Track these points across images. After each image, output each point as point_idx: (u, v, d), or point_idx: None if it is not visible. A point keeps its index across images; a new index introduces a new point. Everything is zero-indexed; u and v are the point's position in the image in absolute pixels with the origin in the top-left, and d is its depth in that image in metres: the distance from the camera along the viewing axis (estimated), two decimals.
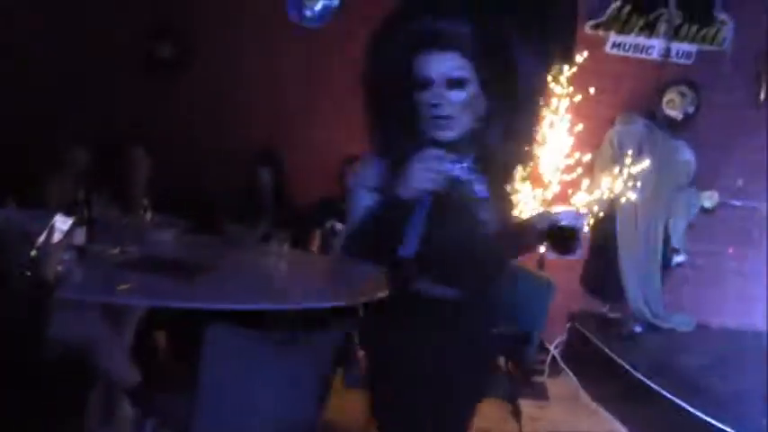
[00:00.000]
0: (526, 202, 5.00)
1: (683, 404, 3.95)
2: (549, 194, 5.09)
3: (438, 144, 1.92)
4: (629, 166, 5.27)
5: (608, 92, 5.31)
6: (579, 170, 5.19)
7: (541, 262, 4.99)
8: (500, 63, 1.94)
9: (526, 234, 2.08)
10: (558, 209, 2.06)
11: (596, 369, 4.92)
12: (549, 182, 5.10)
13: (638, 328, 5.38)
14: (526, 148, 2.11)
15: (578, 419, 4.51)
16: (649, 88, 5.53)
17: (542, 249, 4.45)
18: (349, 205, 2.08)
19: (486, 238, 2.00)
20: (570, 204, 5.04)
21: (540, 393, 4.84)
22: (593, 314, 5.59)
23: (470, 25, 1.91)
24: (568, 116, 5.08)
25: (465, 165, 1.98)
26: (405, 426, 2.09)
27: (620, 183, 5.29)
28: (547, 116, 4.97)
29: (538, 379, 5.02)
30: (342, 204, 4.76)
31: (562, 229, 1.98)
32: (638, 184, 5.28)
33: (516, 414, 4.47)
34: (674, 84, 5.56)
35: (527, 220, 2.15)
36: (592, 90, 5.15)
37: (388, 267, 2.01)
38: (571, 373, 5.17)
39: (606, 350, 4.88)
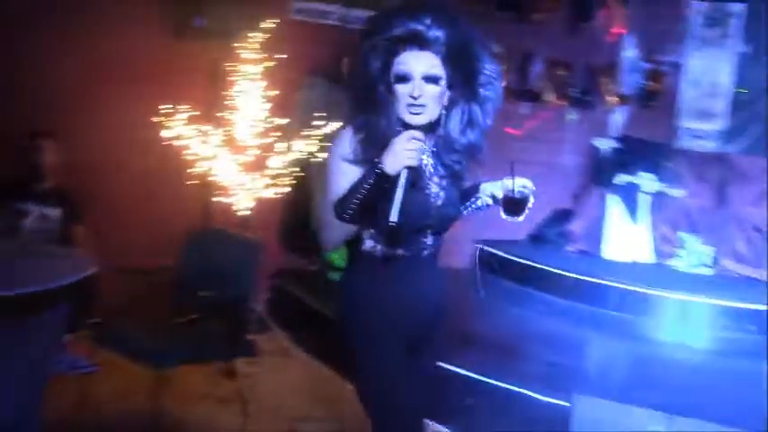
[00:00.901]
0: (225, 167, 5.08)
1: None
2: (248, 159, 5.22)
3: (409, 127, 2.40)
4: (318, 128, 5.59)
5: (297, 57, 5.55)
6: (275, 134, 5.39)
7: (245, 225, 5.13)
8: (465, 62, 2.43)
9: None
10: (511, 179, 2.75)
11: (303, 322, 5.20)
12: (247, 147, 5.23)
13: (335, 277, 5.82)
14: (480, 135, 2.64)
15: (292, 372, 4.75)
16: (331, 52, 5.87)
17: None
18: (328, 172, 2.49)
19: (437, 208, 2.59)
20: (267, 167, 5.24)
21: (252, 351, 5.02)
22: (294, 270, 5.88)
23: (443, 30, 2.38)
24: (262, 82, 5.23)
25: (429, 145, 2.53)
26: (385, 370, 2.49)
27: (311, 144, 5.59)
28: (240, 82, 5.07)
29: (248, 337, 5.20)
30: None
31: (514, 197, 2.73)
32: (328, 143, 5.62)
33: (231, 373, 4.62)
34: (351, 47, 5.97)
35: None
36: (281, 55, 5.35)
37: (378, 232, 2.47)
38: (279, 329, 5.42)
39: (310, 302, 5.19)
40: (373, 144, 2.40)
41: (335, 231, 2.47)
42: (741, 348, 5.09)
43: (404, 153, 2.29)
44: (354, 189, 2.36)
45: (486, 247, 6.71)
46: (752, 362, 4.88)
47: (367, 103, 2.45)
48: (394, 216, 2.28)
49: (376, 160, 2.33)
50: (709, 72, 7.48)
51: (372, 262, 2.54)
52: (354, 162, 2.42)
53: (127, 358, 4.03)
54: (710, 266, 6.35)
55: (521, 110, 6.78)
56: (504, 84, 6.32)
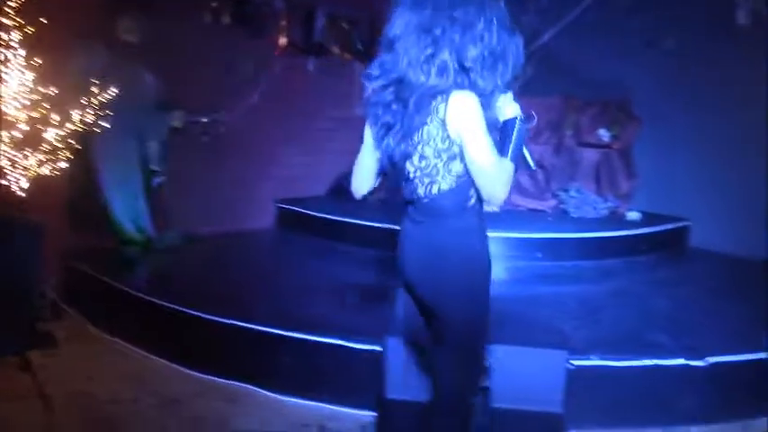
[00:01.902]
0: None
1: (193, 312, 4.23)
2: (19, 133, 4.78)
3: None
4: (95, 95, 5.21)
5: (62, 21, 5.11)
6: (48, 105, 4.96)
7: (22, 207, 4.72)
8: None
9: None
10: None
11: (101, 302, 4.92)
12: (17, 119, 4.78)
13: (134, 254, 5.56)
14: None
15: (94, 357, 4.48)
16: (104, 15, 5.49)
17: None
18: (482, 136, 2.29)
19: None
20: (42, 142, 4.84)
21: (47, 340, 4.67)
22: (86, 248, 5.52)
23: None
24: (23, 50, 4.77)
25: None
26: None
27: (90, 112, 5.21)
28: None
29: (42, 327, 4.82)
30: None
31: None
32: (108, 112, 5.28)
33: (26, 367, 4.27)
34: (129, 11, 5.62)
35: None
36: (44, 20, 4.90)
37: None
38: (77, 313, 5.08)
39: (107, 281, 4.90)
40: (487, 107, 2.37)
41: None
42: (532, 274, 5.49)
43: (515, 105, 2.42)
44: (518, 144, 2.39)
45: (286, 206, 6.70)
46: (542, 285, 5.28)
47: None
48: (533, 163, 2.48)
49: (521, 115, 2.40)
50: None
51: (479, 214, 2.44)
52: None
53: None
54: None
55: (308, 65, 6.74)
56: (287, 39, 6.38)
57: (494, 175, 2.31)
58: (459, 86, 2.32)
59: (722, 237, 6.16)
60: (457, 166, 2.35)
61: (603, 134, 6.71)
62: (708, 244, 6.20)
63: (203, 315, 4.20)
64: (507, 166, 2.36)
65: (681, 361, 3.71)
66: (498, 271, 5.20)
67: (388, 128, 2.37)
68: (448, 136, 2.31)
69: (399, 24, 2.35)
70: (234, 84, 6.19)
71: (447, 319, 2.45)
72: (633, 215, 6.44)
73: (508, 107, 2.43)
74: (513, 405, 3.21)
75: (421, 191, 2.40)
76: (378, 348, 3.59)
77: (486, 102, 2.34)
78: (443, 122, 2.30)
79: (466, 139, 2.29)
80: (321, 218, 6.33)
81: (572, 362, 3.41)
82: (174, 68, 5.72)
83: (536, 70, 7.40)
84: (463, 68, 2.32)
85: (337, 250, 5.97)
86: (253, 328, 4.02)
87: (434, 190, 2.38)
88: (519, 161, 2.42)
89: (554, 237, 5.89)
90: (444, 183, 2.37)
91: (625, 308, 4.70)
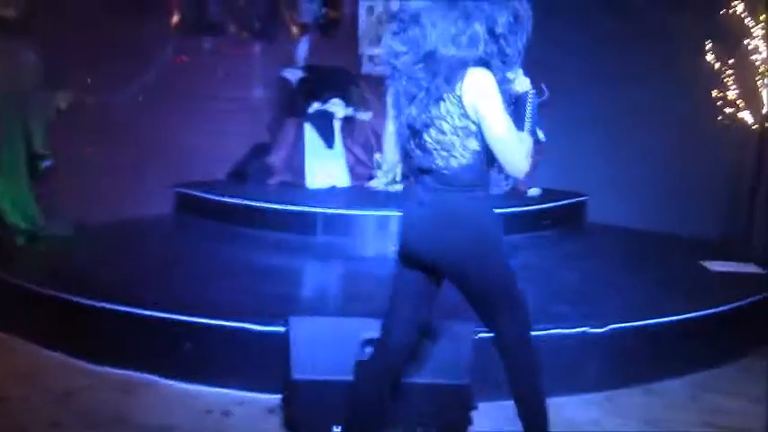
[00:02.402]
0: None
1: (86, 302, 4.02)
2: None
3: None
4: None
5: None
6: None
7: None
8: None
9: None
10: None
11: None
12: None
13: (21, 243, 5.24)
14: None
15: None
16: None
17: None
18: (501, 111, 2.34)
19: None
20: None
21: None
22: None
23: None
24: None
25: None
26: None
27: None
28: None
29: None
30: None
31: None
32: None
33: None
34: None
35: None
36: None
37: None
38: None
39: None
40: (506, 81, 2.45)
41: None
42: None
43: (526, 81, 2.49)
44: (533, 118, 2.47)
45: (184, 190, 6.46)
46: None
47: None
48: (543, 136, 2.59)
49: (532, 89, 2.48)
50: None
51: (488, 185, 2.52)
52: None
53: None
54: (401, 182, 6.70)
55: (204, 44, 6.51)
56: (179, 18, 6.14)
57: (516, 148, 2.39)
58: (489, 56, 2.38)
59: (621, 211, 6.36)
60: (473, 143, 2.40)
61: None
62: (607, 218, 6.37)
63: (96, 304, 3.98)
64: (526, 138, 2.45)
65: (583, 329, 3.78)
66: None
67: (413, 98, 2.40)
68: (465, 114, 2.36)
69: (408, 4, 2.38)
70: (125, 63, 5.90)
71: (472, 276, 2.52)
72: (534, 191, 6.53)
73: (519, 82, 2.49)
74: (422, 379, 3.17)
75: (440, 162, 2.43)
76: (281, 329, 3.49)
77: (506, 74, 2.43)
78: (460, 99, 2.34)
79: (485, 114, 2.34)
80: (220, 201, 6.14)
81: (478, 334, 3.40)
82: (59, 45, 5.40)
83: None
84: (493, 36, 2.36)
85: (237, 234, 5.80)
86: (149, 315, 3.84)
87: (453, 163, 2.42)
88: (533, 134, 2.51)
89: None
90: (462, 158, 2.41)
91: (530, 282, 4.73)
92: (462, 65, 2.33)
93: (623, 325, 3.90)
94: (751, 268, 5.21)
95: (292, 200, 6.07)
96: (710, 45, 5.51)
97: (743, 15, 5.39)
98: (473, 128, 2.37)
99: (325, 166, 6.76)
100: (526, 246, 5.66)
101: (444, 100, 2.34)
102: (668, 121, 6.03)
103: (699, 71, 5.55)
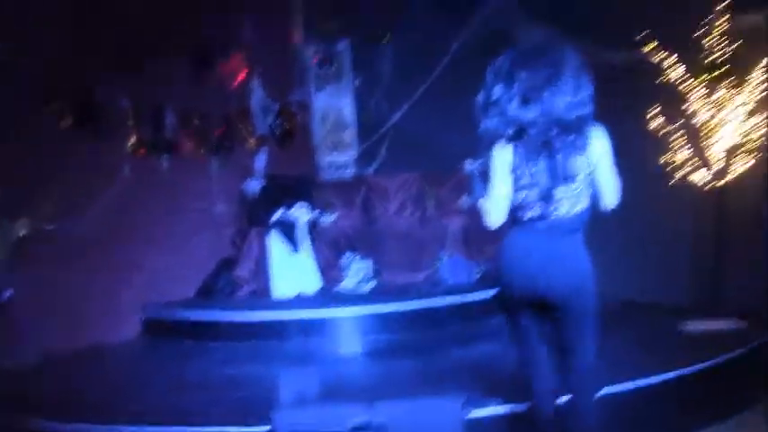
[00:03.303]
0: None
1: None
2: None
3: None
4: None
5: None
6: None
7: None
8: None
9: None
10: None
11: None
12: None
13: None
14: None
15: None
16: None
17: None
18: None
19: None
20: None
21: None
22: None
23: None
24: None
25: None
26: None
27: None
28: None
29: None
30: None
31: None
32: None
33: None
34: None
35: None
36: None
37: None
38: None
39: None
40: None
41: None
42: (410, 344, 5.42)
43: None
44: None
45: (151, 315, 6.31)
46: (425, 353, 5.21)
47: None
48: None
49: None
50: (333, 107, 8.01)
51: None
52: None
53: None
54: (372, 280, 6.68)
55: (162, 162, 6.55)
56: (136, 138, 6.18)
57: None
58: (594, 114, 2.86)
59: None
60: (589, 190, 2.88)
61: (465, 201, 6.86)
62: None
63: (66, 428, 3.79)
64: None
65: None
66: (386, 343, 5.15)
67: (547, 156, 2.85)
68: (589, 164, 2.83)
69: (533, 79, 2.86)
70: (84, 188, 5.88)
71: (583, 306, 2.93)
72: None
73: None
74: None
75: (564, 210, 2.85)
76: (266, 428, 3.34)
77: None
78: (589, 155, 2.84)
79: (607, 165, 2.85)
80: (190, 320, 6.03)
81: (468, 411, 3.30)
82: (17, 174, 5.38)
83: (390, 150, 7.65)
84: (591, 98, 2.85)
85: (211, 349, 5.66)
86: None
87: (578, 209, 2.86)
88: None
89: (434, 302, 5.89)
90: (585, 204, 2.87)
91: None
92: (585, 124, 2.84)
93: (615, 388, 3.81)
94: (730, 324, 5.20)
95: (263, 309, 5.99)
96: (656, 110, 5.70)
97: (681, 80, 5.62)
98: (591, 177, 2.86)
99: (293, 273, 6.69)
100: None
101: (579, 155, 2.82)
102: (626, 190, 6.15)
103: (648, 138, 5.72)
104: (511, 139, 2.90)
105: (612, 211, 2.98)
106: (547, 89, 2.85)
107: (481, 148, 3.03)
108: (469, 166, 3.55)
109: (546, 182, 2.83)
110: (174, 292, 6.61)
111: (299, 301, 6.35)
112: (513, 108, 2.89)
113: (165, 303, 6.38)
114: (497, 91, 2.93)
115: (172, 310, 6.26)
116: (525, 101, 2.87)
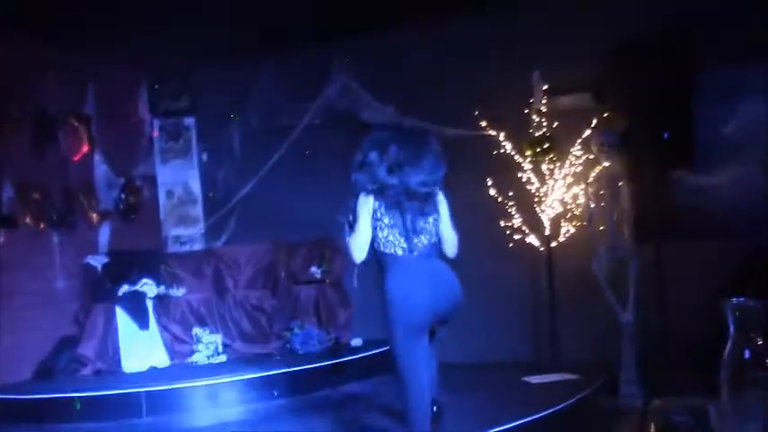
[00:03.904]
0: None
1: None
2: None
3: None
4: None
5: None
6: None
7: None
8: None
9: None
10: None
11: None
12: None
13: None
14: None
15: None
16: None
17: None
18: None
19: None
20: None
21: None
22: None
23: None
24: None
25: None
26: None
27: None
28: None
29: None
30: None
31: None
32: None
33: None
34: None
35: None
36: None
37: None
38: None
39: None
40: None
41: None
42: (269, 412, 5.43)
43: None
44: None
45: None
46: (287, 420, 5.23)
47: None
48: None
49: None
50: (179, 181, 8.00)
51: None
52: None
53: None
54: (223, 353, 6.62)
55: None
56: None
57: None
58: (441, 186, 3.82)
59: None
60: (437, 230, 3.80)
61: (315, 271, 7.01)
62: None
63: None
64: None
65: None
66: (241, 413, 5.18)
67: (403, 212, 3.71)
68: (437, 217, 3.77)
69: (399, 155, 3.70)
70: None
71: (455, 311, 3.77)
72: (356, 341, 6.70)
73: None
74: None
75: (425, 240, 3.72)
76: None
77: None
78: (438, 210, 3.78)
79: (447, 223, 3.81)
80: (26, 400, 5.71)
81: None
82: None
83: (239, 222, 7.70)
84: (442, 178, 3.79)
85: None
86: None
87: (433, 240, 3.76)
88: None
89: (287, 371, 5.93)
90: (434, 238, 3.76)
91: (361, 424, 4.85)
92: (432, 196, 3.75)
93: None
94: (566, 376, 5.65)
95: (110, 385, 5.78)
96: (491, 180, 6.18)
97: (512, 153, 6.14)
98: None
99: (141, 348, 6.51)
100: (361, 394, 5.75)
101: (423, 217, 3.72)
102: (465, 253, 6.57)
103: (485, 204, 6.17)
104: (374, 192, 3.72)
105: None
106: (408, 166, 3.68)
107: (350, 195, 3.78)
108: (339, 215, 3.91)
109: (402, 227, 3.71)
110: (10, 374, 6.22)
111: (151, 376, 6.19)
112: (381, 173, 3.70)
113: None
114: (371, 156, 3.71)
115: (4, 391, 5.89)
116: (390, 170, 3.70)
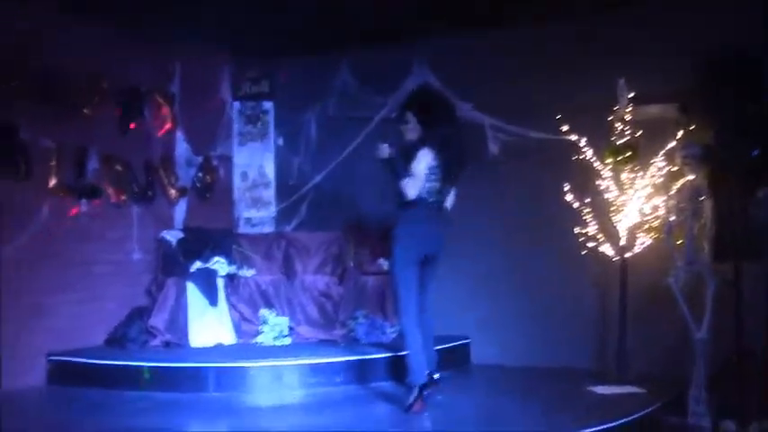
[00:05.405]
0: None
1: None
2: None
3: None
4: None
5: None
6: None
7: None
8: None
9: None
10: None
11: None
12: None
13: None
14: None
15: None
16: None
17: None
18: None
19: None
20: None
21: None
22: None
23: None
24: None
25: None
26: None
27: None
28: None
29: None
30: None
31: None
32: None
33: None
34: None
35: None
36: None
37: None
38: None
39: None
40: None
41: None
42: (331, 398, 5.49)
43: None
44: None
45: (60, 358, 6.10)
46: (348, 407, 5.28)
47: None
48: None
49: None
50: (254, 164, 8.13)
51: None
52: None
53: None
54: (288, 336, 6.72)
55: (81, 207, 6.43)
56: (56, 180, 6.05)
57: None
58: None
59: (498, 351, 6.66)
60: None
61: (383, 263, 7.04)
62: (487, 359, 6.67)
63: None
64: None
65: None
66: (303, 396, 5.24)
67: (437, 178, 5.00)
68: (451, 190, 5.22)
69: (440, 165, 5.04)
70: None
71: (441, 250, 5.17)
72: None
73: None
74: None
75: (443, 199, 5.13)
76: None
77: None
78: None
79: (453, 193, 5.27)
80: (100, 365, 5.90)
81: None
82: None
83: (310, 208, 7.79)
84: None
85: (122, 399, 5.54)
86: None
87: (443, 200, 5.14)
88: None
89: (351, 359, 5.97)
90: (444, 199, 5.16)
91: (435, 419, 4.85)
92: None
93: None
94: (632, 389, 5.57)
95: (179, 358, 5.92)
96: (568, 187, 6.13)
97: (592, 160, 6.07)
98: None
99: (209, 325, 6.67)
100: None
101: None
102: (539, 260, 6.55)
103: (563, 211, 6.14)
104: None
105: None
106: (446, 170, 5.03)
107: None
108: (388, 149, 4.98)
109: (434, 187, 4.99)
110: (85, 340, 6.42)
111: (217, 352, 6.32)
112: (430, 156, 4.96)
113: (72, 350, 6.19)
114: (431, 158, 4.94)
115: (79, 356, 6.08)
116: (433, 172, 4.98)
